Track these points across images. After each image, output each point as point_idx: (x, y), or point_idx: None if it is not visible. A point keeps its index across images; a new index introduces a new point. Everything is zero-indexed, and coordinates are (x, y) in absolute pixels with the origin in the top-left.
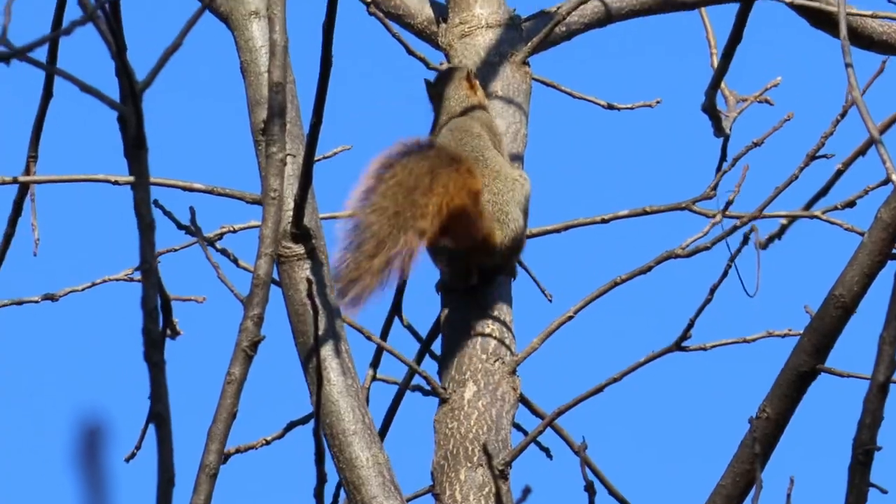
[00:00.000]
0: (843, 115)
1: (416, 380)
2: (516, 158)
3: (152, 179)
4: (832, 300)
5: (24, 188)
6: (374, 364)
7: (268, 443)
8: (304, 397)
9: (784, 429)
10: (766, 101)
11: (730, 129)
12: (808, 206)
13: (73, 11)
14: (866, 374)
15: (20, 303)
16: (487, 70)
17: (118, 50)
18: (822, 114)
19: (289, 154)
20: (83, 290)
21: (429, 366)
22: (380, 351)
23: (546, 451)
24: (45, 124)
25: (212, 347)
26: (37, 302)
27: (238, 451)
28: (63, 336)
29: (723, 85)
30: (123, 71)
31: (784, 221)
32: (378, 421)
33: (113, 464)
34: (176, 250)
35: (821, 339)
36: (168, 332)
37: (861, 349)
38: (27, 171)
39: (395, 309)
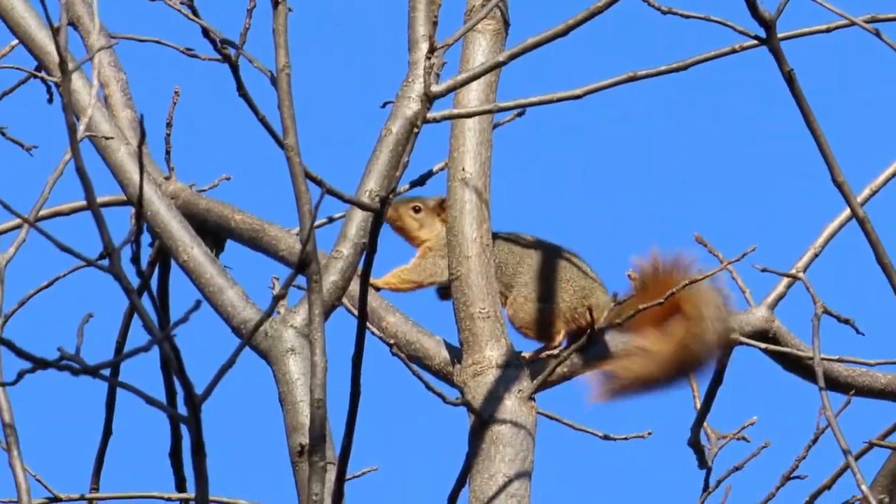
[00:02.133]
0: (815, 440)
1: None
2: (523, 480)
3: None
4: None
5: None
6: None
7: None
8: None
9: None
10: (744, 439)
11: (712, 462)
12: None
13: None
14: None
15: None
16: (497, 403)
17: (179, 366)
18: (795, 447)
19: (329, 462)
20: None
21: None
22: None
23: None
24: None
25: None
26: None
27: None
28: None
29: (705, 423)
30: (184, 384)
31: None
32: None
33: None
34: None
35: None
36: None
37: None
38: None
39: None
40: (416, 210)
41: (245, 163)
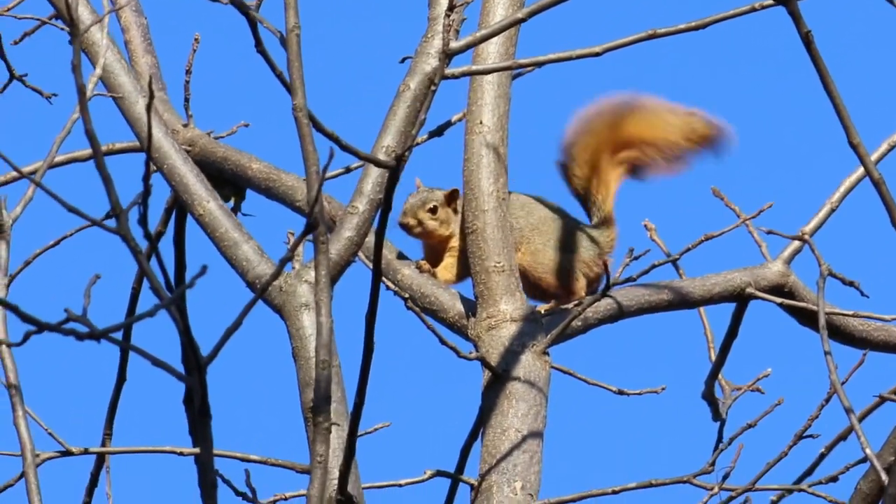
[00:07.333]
0: (827, 401)
1: None
2: (536, 436)
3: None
4: None
5: (100, 460)
6: None
7: None
8: None
9: None
10: (758, 390)
11: (726, 415)
12: (798, 481)
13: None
14: None
15: None
16: (511, 358)
17: (185, 329)
18: (809, 401)
19: (334, 423)
20: None
21: None
22: None
23: None
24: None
25: None
26: None
27: None
28: None
29: (720, 375)
30: (190, 347)
31: (774, 497)
32: None
33: None
34: None
35: None
36: None
37: None
38: (103, 446)
39: None
40: (433, 210)
41: (265, 110)
